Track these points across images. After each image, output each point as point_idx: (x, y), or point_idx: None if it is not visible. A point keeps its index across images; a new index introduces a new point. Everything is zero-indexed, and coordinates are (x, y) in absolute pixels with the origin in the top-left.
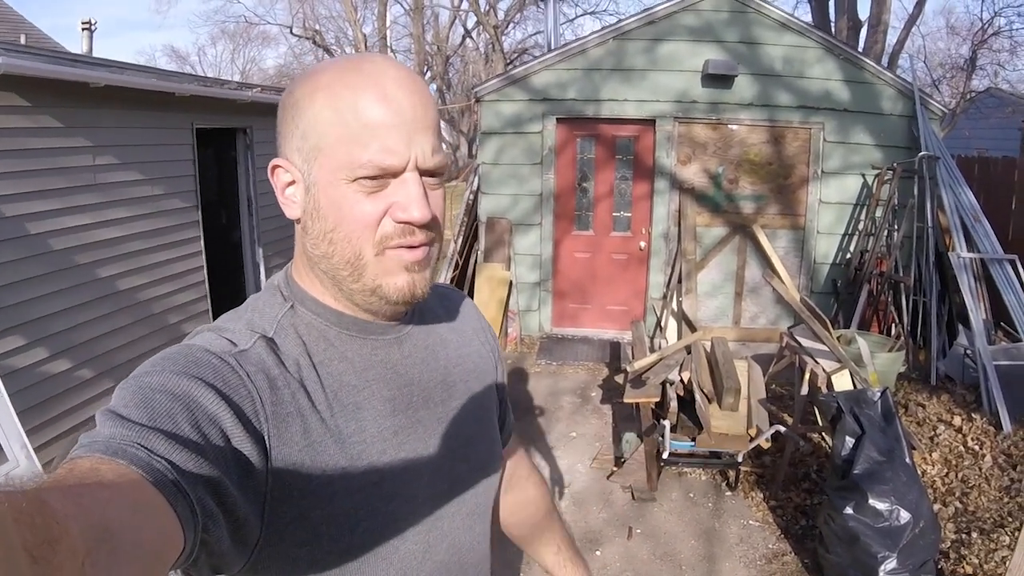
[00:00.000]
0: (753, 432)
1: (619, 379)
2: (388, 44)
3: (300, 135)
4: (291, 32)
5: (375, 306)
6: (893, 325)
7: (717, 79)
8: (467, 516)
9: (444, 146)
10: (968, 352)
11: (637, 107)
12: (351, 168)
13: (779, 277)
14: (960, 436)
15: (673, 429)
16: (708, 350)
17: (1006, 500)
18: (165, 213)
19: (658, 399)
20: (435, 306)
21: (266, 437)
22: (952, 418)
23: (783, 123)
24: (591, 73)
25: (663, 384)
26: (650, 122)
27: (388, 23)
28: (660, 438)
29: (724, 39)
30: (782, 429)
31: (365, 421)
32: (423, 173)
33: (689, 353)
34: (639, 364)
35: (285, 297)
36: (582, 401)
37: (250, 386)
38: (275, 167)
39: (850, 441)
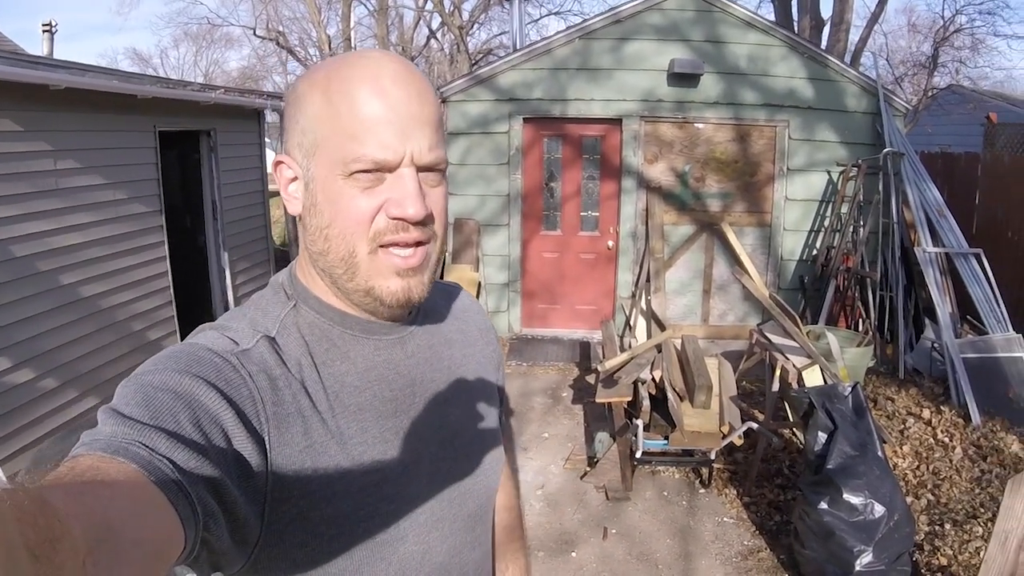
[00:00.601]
0: (726, 429)
1: (590, 379)
2: (352, 46)
3: (300, 131)
4: (254, 34)
5: (371, 307)
6: (860, 320)
7: (683, 78)
8: (467, 518)
9: (444, 141)
10: (935, 345)
11: (603, 106)
12: (346, 163)
13: (748, 274)
14: (930, 429)
15: (646, 428)
16: (679, 348)
17: (977, 491)
18: (128, 218)
19: (630, 398)
20: (440, 305)
21: (267, 438)
22: (921, 411)
23: (749, 121)
24: (557, 73)
25: (635, 383)
26: (617, 121)
27: (352, 24)
28: (633, 437)
29: (690, 38)
30: (754, 426)
31: (367, 422)
32: (421, 169)
33: (660, 352)
34: (610, 364)
35: (288, 296)
36: (553, 401)
37: (251, 386)
38: (278, 163)
39: (822, 436)
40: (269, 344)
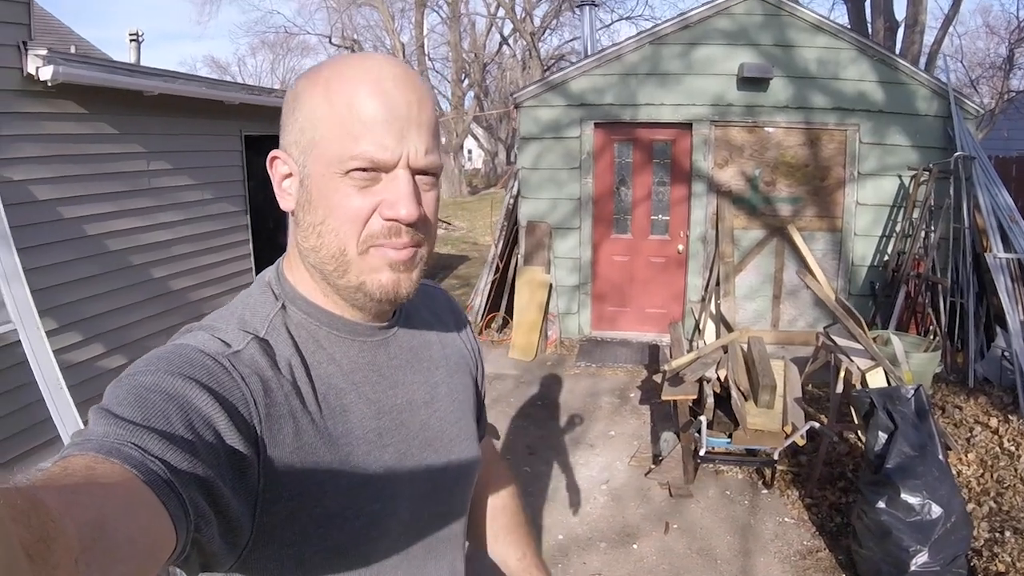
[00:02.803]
0: (788, 429)
1: (657, 379)
2: (426, 52)
3: (298, 128)
4: (330, 42)
5: (361, 302)
6: (930, 327)
7: (752, 82)
8: (445, 516)
9: (440, 148)
10: (1006, 354)
11: (673, 111)
12: (343, 161)
13: (814, 277)
14: (996, 437)
15: (709, 426)
16: (745, 350)
17: None
18: (215, 217)
19: (695, 397)
20: (420, 306)
21: (259, 439)
22: (989, 420)
23: (819, 125)
24: (627, 78)
25: (700, 382)
26: (687, 126)
27: (425, 31)
28: (697, 434)
29: (758, 42)
30: (816, 425)
31: (352, 423)
32: (416, 172)
33: (726, 352)
34: (676, 363)
35: (276, 296)
36: (621, 402)
37: (244, 388)
38: (273, 158)
39: (883, 436)
40: (260, 345)
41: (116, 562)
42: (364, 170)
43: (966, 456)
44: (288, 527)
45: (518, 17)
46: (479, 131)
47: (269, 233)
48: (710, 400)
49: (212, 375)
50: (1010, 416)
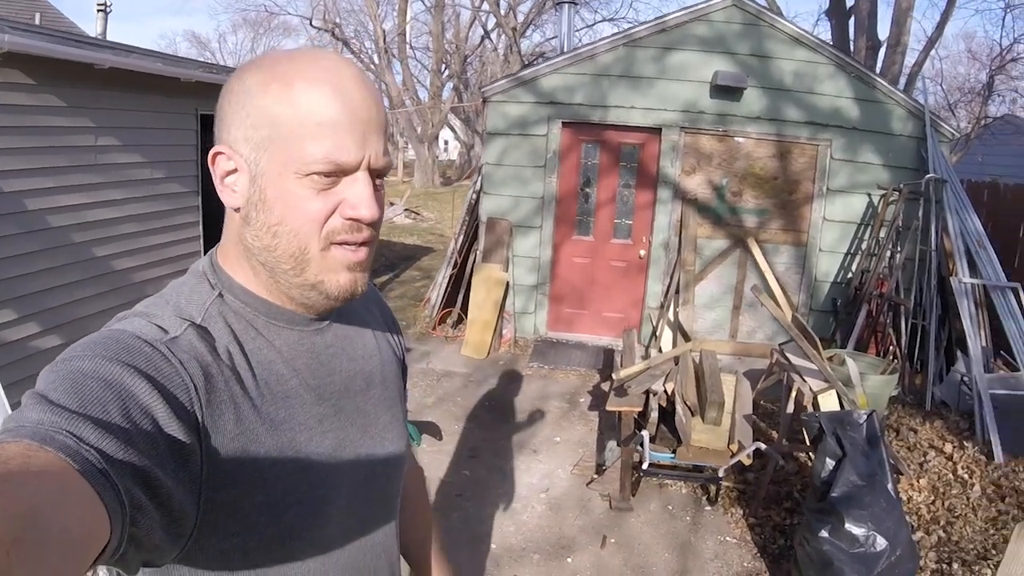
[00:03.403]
0: (734, 448)
1: (606, 387)
2: (407, 41)
3: (250, 124)
4: (310, 24)
5: (311, 300)
6: (891, 347)
7: (726, 91)
8: (379, 502)
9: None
10: (965, 379)
11: (644, 115)
12: (305, 163)
13: (772, 293)
14: (950, 464)
15: (652, 440)
16: (696, 362)
17: (991, 532)
18: (164, 196)
19: (640, 409)
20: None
21: (200, 426)
22: (944, 445)
23: (790, 138)
24: (599, 79)
25: (646, 394)
26: (656, 130)
27: (408, 18)
28: (639, 448)
29: (735, 51)
30: (762, 447)
31: (294, 409)
32: (371, 173)
33: (677, 364)
34: (625, 372)
35: (212, 284)
36: (570, 406)
37: (184, 375)
38: (217, 154)
39: (830, 463)
40: (197, 332)
41: (49, 553)
42: (326, 173)
43: (918, 482)
44: (232, 516)
45: (501, 12)
46: (456, 123)
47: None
48: (654, 414)
49: (151, 362)
50: (965, 443)
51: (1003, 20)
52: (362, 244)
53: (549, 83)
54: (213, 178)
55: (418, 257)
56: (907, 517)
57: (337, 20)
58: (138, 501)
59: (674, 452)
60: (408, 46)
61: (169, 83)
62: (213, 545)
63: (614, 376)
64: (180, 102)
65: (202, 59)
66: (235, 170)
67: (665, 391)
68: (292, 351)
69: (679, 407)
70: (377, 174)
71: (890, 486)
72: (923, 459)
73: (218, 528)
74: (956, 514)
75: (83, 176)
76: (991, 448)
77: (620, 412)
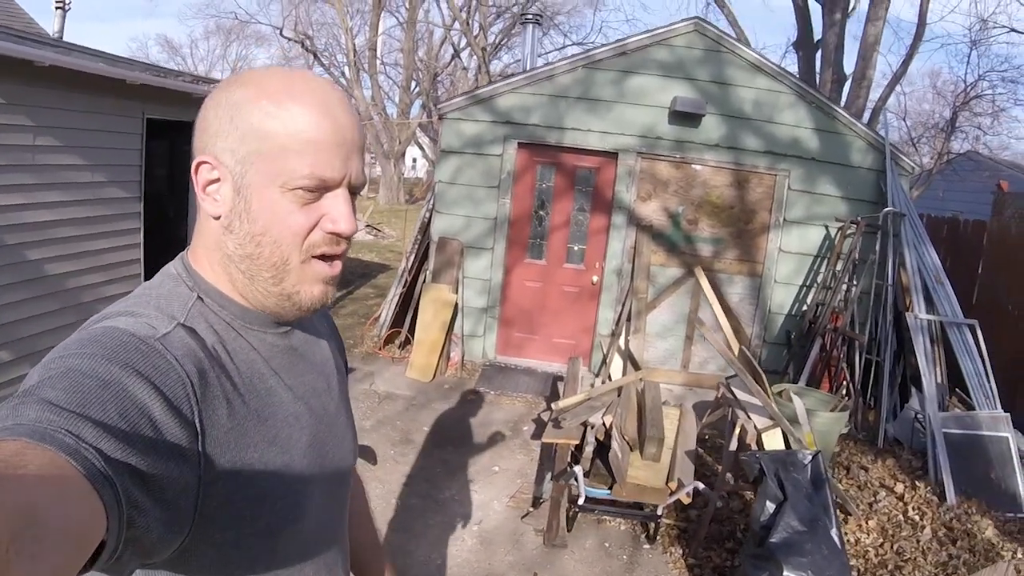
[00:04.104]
0: (673, 485)
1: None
2: (379, 56)
3: (238, 137)
4: (280, 34)
5: (284, 309)
6: (844, 382)
7: (684, 117)
8: (342, 502)
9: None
10: (919, 416)
11: (601, 138)
12: (291, 177)
13: (720, 325)
14: (901, 504)
15: (586, 475)
16: (640, 394)
17: None
18: (105, 201)
19: (577, 442)
20: None
21: (197, 421)
22: (895, 484)
23: (748, 167)
24: (557, 100)
25: (584, 426)
26: (613, 155)
27: (380, 32)
28: (574, 483)
29: (695, 77)
30: (700, 486)
31: (275, 406)
32: (350, 190)
33: (620, 395)
34: (563, 403)
35: (190, 287)
36: (512, 434)
37: (179, 370)
38: (201, 163)
39: (770, 506)
40: (185, 330)
41: (47, 550)
42: (310, 188)
43: (867, 523)
44: (225, 509)
45: (472, 32)
46: (425, 140)
47: (168, 223)
48: (589, 448)
49: (147, 358)
50: (918, 482)
51: (968, 57)
52: (338, 258)
53: (506, 102)
54: (195, 187)
55: (374, 275)
56: (853, 561)
57: (309, 32)
58: (136, 499)
59: (610, 488)
60: (379, 61)
61: (115, 85)
62: (208, 539)
63: (552, 406)
64: (126, 105)
65: (173, 64)
66: (218, 180)
67: (603, 424)
68: (269, 352)
69: (615, 442)
70: (355, 191)
71: (834, 532)
72: (873, 499)
73: (214, 522)
74: (905, 558)
75: (19, 176)
76: (944, 488)
77: (556, 445)
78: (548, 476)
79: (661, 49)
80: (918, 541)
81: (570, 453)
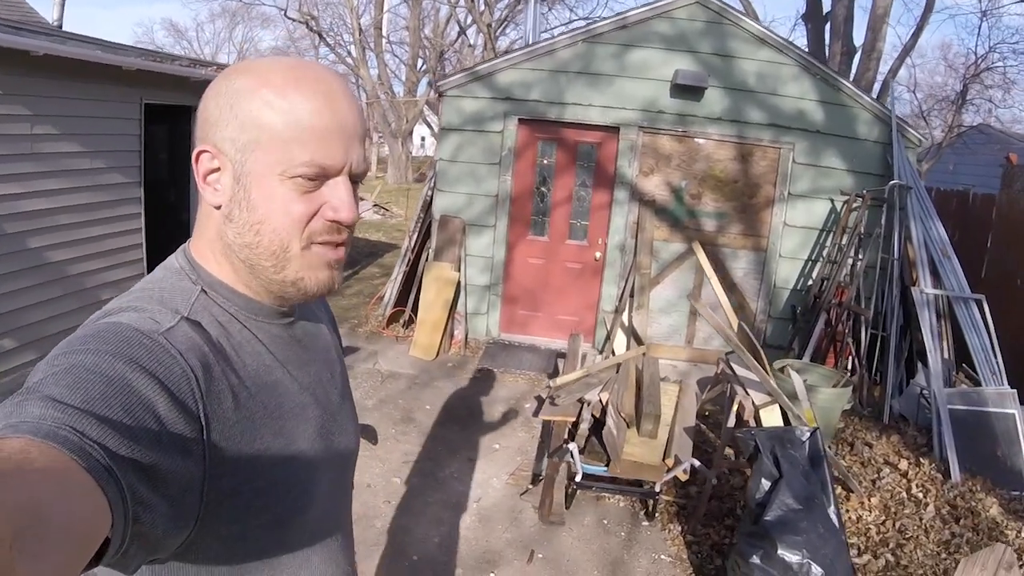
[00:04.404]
0: (670, 462)
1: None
2: (385, 35)
3: (238, 126)
4: (285, 15)
5: (288, 295)
6: (850, 357)
7: (686, 90)
8: (345, 487)
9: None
10: (924, 392)
11: (602, 113)
12: (292, 165)
13: (720, 301)
14: (905, 481)
15: (582, 451)
16: (639, 370)
17: (943, 556)
18: (105, 187)
19: (574, 419)
20: None
21: (202, 415)
22: (899, 461)
23: (752, 140)
24: (557, 75)
25: (581, 403)
26: (614, 129)
27: (385, 9)
28: (570, 460)
29: (697, 50)
30: (696, 463)
31: (282, 397)
32: (351, 178)
33: (618, 372)
34: (561, 380)
35: (193, 280)
36: (514, 412)
37: (184, 365)
38: (201, 152)
39: (765, 483)
40: (190, 324)
41: (51, 547)
42: (310, 176)
43: (869, 500)
44: (232, 502)
45: (478, 8)
46: (433, 119)
47: (170, 208)
48: (584, 425)
49: (151, 353)
50: (922, 459)
51: (979, 28)
52: (340, 244)
53: (506, 78)
54: (195, 175)
55: (381, 254)
56: (855, 539)
57: (313, 13)
58: (140, 495)
59: (607, 465)
60: (385, 40)
61: (111, 71)
62: (215, 532)
63: (550, 383)
64: (123, 91)
65: (179, 47)
66: (218, 169)
67: (600, 401)
68: (274, 343)
69: (610, 419)
70: (356, 179)
71: (832, 510)
72: (876, 476)
73: (220, 515)
74: (907, 536)
75: (17, 165)
76: (948, 466)
77: (553, 422)
78: (546, 454)
79: (662, 22)
80: (921, 519)
81: (567, 430)
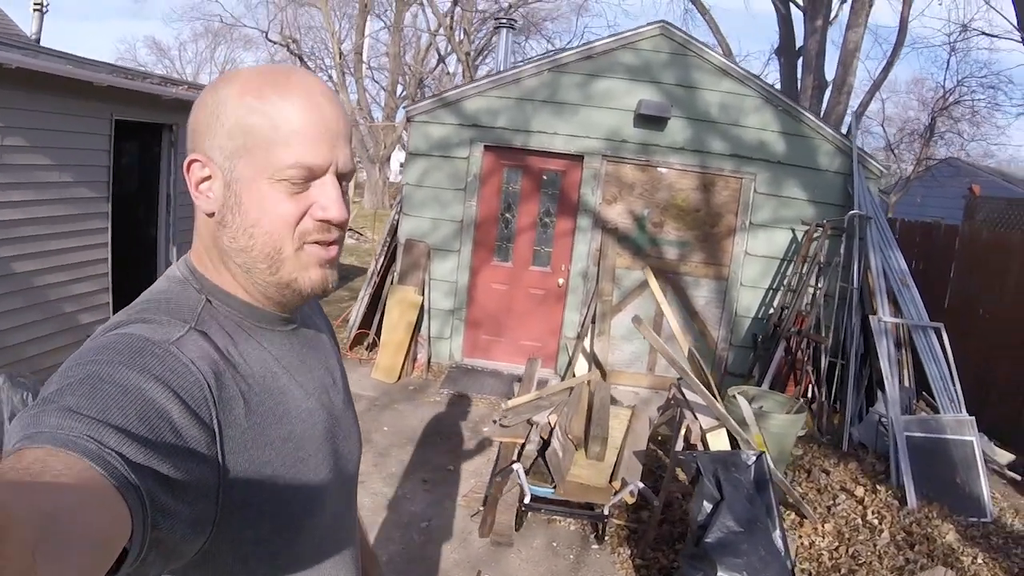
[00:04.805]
0: (617, 485)
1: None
2: (365, 60)
3: (225, 134)
4: (266, 37)
5: (288, 298)
6: (809, 385)
7: (650, 120)
8: (352, 491)
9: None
10: (883, 420)
11: (567, 141)
12: (278, 168)
13: (672, 326)
14: (860, 508)
15: (528, 472)
16: (590, 394)
17: None
18: (72, 201)
19: (523, 440)
20: (304, 307)
21: (215, 422)
22: (856, 488)
23: (714, 170)
24: (523, 103)
25: (530, 424)
26: (579, 158)
27: (366, 34)
28: (519, 481)
29: (661, 80)
30: (640, 486)
31: (289, 404)
32: (339, 177)
33: (571, 396)
34: (514, 402)
35: (197, 290)
36: (471, 435)
37: (196, 373)
38: (192, 162)
39: (707, 506)
40: (199, 334)
41: (72, 554)
42: (297, 177)
43: (823, 527)
44: (246, 508)
45: (456, 38)
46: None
47: (138, 223)
48: (530, 446)
49: (164, 363)
50: (879, 486)
51: (947, 62)
52: (332, 243)
53: (473, 105)
54: (188, 185)
55: (351, 278)
56: (806, 564)
57: (296, 36)
58: (160, 502)
59: (555, 487)
60: (365, 65)
61: (83, 87)
62: (229, 537)
63: (503, 405)
64: (94, 106)
65: (161, 66)
66: (209, 177)
67: (549, 422)
68: (278, 350)
69: (555, 440)
70: (343, 178)
71: (777, 533)
72: (832, 502)
73: (233, 520)
74: (860, 561)
75: None
76: (905, 492)
77: (501, 443)
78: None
79: (627, 52)
80: (875, 545)
81: (516, 451)
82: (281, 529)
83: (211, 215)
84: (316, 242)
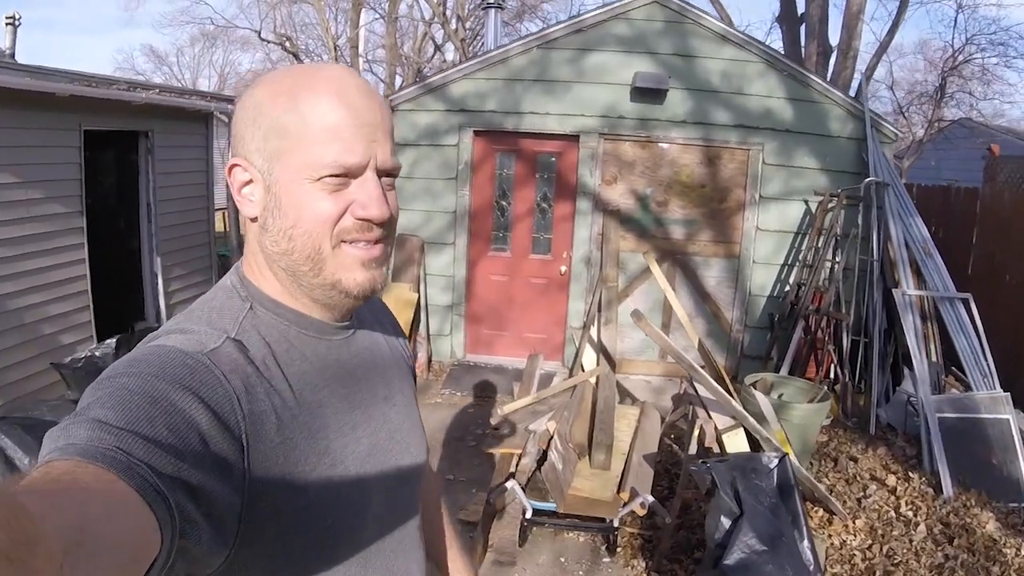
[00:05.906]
0: (625, 496)
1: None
2: (362, 53)
3: (262, 136)
4: (259, 36)
5: (335, 300)
6: (831, 366)
7: (647, 93)
8: (408, 509)
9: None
10: (912, 399)
11: (560, 121)
12: (315, 168)
13: (679, 315)
14: (893, 499)
15: (524, 488)
16: (594, 393)
17: None
18: (44, 218)
19: (520, 452)
20: (364, 311)
21: (243, 436)
22: (887, 476)
23: (719, 143)
24: (513, 83)
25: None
26: (574, 138)
27: (360, 25)
28: (519, 498)
29: (657, 51)
30: (650, 499)
31: (328, 417)
32: (380, 174)
33: (572, 396)
34: (509, 407)
35: (243, 298)
36: (474, 440)
37: (227, 385)
38: (233, 166)
39: (725, 522)
40: (235, 344)
41: (100, 566)
42: (336, 176)
43: (854, 523)
44: (274, 521)
45: (451, 26)
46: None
47: (119, 236)
48: (527, 459)
49: (194, 374)
50: (911, 473)
51: (955, 20)
52: (376, 242)
53: (459, 89)
54: (231, 190)
55: None
56: (838, 567)
57: (288, 34)
58: (187, 513)
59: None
60: (363, 58)
61: (47, 99)
62: (257, 551)
63: (498, 411)
64: (61, 118)
65: (160, 73)
66: (250, 181)
67: (548, 431)
68: (322, 361)
69: (553, 453)
70: (386, 174)
71: (804, 544)
72: (862, 494)
73: (262, 534)
74: (895, 561)
75: None
76: (939, 479)
77: (500, 454)
78: (510, 484)
79: (620, 23)
80: (911, 541)
81: (514, 464)
82: (315, 544)
83: (254, 220)
84: (354, 240)
